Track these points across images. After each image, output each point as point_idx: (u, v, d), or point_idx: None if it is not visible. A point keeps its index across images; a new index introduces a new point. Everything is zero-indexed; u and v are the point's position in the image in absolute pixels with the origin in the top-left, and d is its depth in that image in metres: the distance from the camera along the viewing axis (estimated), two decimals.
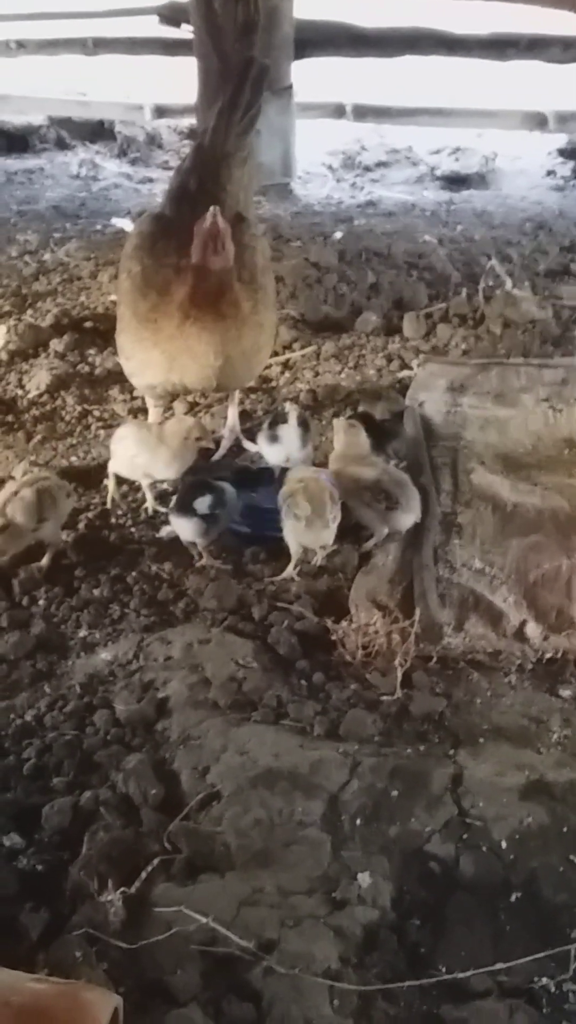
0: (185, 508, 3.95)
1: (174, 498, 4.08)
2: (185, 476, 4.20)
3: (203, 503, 3.92)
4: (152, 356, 4.40)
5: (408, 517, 4.05)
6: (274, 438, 4.38)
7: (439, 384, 5.18)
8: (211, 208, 4.09)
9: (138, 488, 4.43)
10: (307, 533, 3.89)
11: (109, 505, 4.38)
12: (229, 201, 4.66)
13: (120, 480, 4.43)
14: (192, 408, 5.07)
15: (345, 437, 4.34)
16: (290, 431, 4.36)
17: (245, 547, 4.12)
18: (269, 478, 4.38)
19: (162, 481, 4.40)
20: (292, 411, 4.43)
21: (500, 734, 3.24)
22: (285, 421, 4.38)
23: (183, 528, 4.00)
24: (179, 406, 5.04)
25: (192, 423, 4.37)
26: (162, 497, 4.38)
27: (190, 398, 5.10)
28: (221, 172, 4.71)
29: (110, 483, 4.41)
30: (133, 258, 4.59)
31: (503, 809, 2.87)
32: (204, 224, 4.08)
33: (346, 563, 3.99)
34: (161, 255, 4.45)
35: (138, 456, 4.30)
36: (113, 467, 4.39)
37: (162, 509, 4.32)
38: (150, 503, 4.37)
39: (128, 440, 4.34)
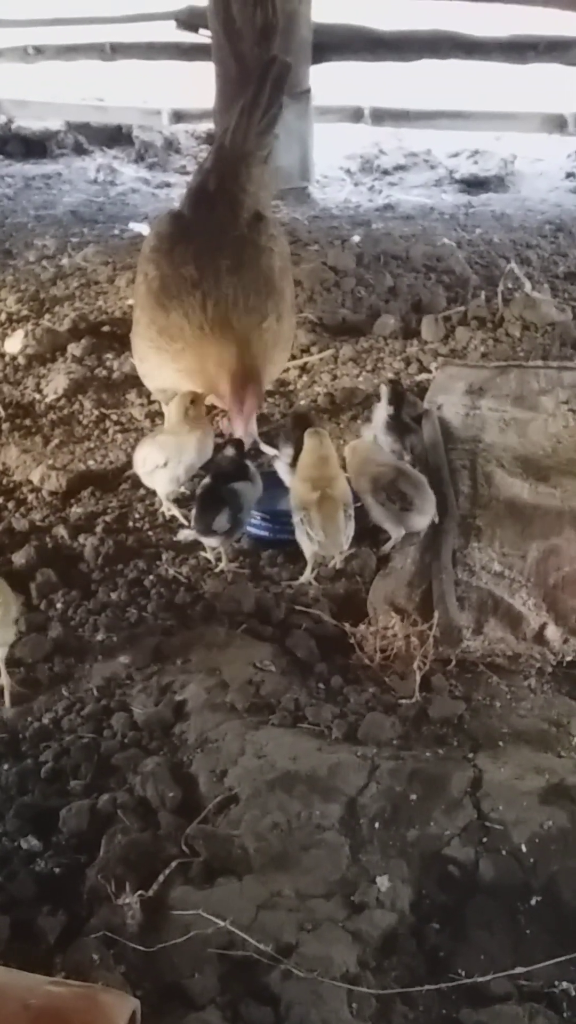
0: (206, 529, 3.94)
1: (193, 513, 4.02)
2: (205, 481, 4.12)
3: (221, 522, 3.90)
4: (166, 365, 4.41)
5: (423, 519, 4.03)
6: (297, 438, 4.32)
7: (458, 387, 5.16)
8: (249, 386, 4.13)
9: (155, 492, 4.42)
10: (321, 548, 3.91)
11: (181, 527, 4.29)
12: (248, 201, 4.66)
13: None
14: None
15: (363, 454, 4.26)
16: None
17: (263, 550, 4.11)
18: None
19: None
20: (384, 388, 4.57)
21: (520, 738, 3.22)
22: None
23: (208, 542, 4.02)
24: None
25: (177, 402, 4.31)
26: (179, 502, 4.37)
27: None
28: (241, 171, 4.71)
29: (169, 508, 4.35)
30: (151, 261, 4.59)
31: (523, 813, 2.85)
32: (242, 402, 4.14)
33: (364, 566, 3.98)
34: (179, 261, 4.45)
35: (168, 462, 4.23)
36: (161, 492, 4.34)
37: (179, 513, 4.31)
38: (166, 507, 4.35)
39: (150, 457, 4.28)
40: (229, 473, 4.06)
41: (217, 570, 3.99)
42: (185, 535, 4.18)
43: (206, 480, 4.10)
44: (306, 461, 4.07)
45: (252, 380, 4.16)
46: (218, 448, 4.30)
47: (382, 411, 4.54)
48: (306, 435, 4.15)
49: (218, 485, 4.03)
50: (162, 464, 4.26)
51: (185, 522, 4.24)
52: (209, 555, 4.06)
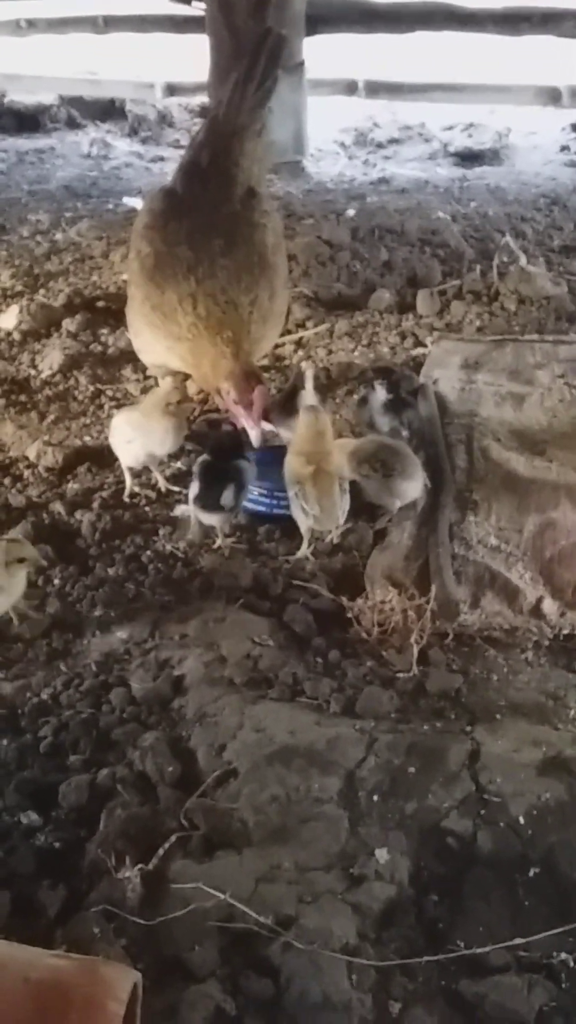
0: (213, 504, 3.92)
1: (194, 487, 3.97)
2: (203, 458, 4.11)
3: (229, 496, 3.89)
4: (160, 342, 4.40)
5: (411, 484, 4.01)
6: (290, 412, 4.33)
7: (453, 361, 5.15)
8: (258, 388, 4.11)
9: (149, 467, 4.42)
10: (316, 524, 3.90)
11: (127, 499, 4.33)
12: (242, 176, 4.63)
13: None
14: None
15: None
16: (308, 396, 4.34)
17: (260, 525, 4.11)
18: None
19: (169, 460, 4.39)
20: (308, 371, 4.39)
21: (517, 710, 3.23)
22: (303, 386, 4.35)
23: (211, 519, 3.99)
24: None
25: (164, 390, 4.32)
26: (175, 477, 4.37)
27: None
28: (234, 146, 4.68)
29: (126, 477, 4.37)
30: (144, 238, 4.56)
31: (520, 785, 2.86)
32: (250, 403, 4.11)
33: (361, 541, 3.98)
34: (173, 240, 4.42)
35: (133, 441, 4.28)
36: (123, 462, 4.37)
37: (175, 488, 4.31)
38: (161, 483, 4.35)
39: (120, 428, 4.34)
40: (228, 449, 4.05)
41: (215, 547, 3.99)
42: (182, 511, 4.18)
43: (204, 457, 4.09)
44: (301, 436, 4.06)
45: (255, 379, 4.14)
46: (215, 424, 4.29)
47: (379, 395, 4.49)
48: (301, 410, 4.15)
49: (220, 461, 4.02)
50: (127, 441, 4.30)
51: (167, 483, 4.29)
52: (194, 535, 4.02)
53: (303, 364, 4.49)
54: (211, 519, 3.98)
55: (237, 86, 4.76)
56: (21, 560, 3.55)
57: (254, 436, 4.11)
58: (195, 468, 4.07)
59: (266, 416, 4.19)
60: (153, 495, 4.34)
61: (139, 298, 4.49)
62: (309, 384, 4.37)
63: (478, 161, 9.13)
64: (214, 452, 4.08)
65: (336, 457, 4.02)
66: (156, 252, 4.45)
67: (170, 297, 4.31)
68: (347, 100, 9.86)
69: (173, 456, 4.47)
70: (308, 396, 4.34)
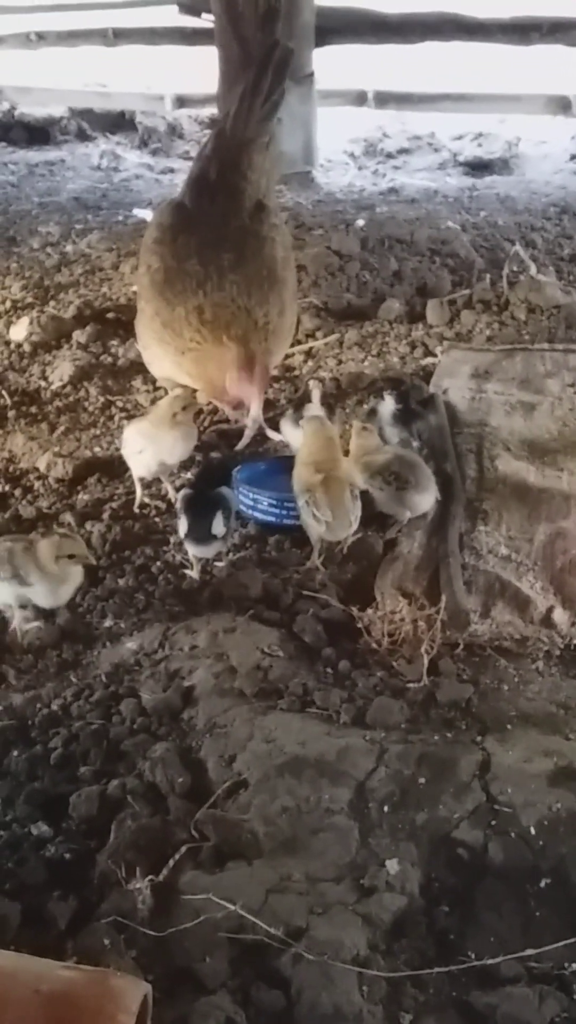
0: (205, 536, 3.84)
1: (182, 523, 3.86)
2: (184, 492, 4.02)
3: (219, 524, 3.82)
4: (168, 357, 4.41)
5: (424, 497, 4.01)
6: (298, 422, 4.35)
7: (463, 371, 5.15)
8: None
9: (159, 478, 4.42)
10: (327, 532, 3.89)
11: (137, 509, 4.33)
12: (250, 190, 4.64)
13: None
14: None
15: (358, 441, 4.21)
16: (314, 408, 4.34)
17: (269, 535, 4.11)
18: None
19: (179, 471, 4.39)
20: (316, 388, 4.40)
21: (528, 721, 3.22)
22: (310, 400, 4.36)
23: (206, 552, 3.90)
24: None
25: (171, 398, 4.32)
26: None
27: None
28: (242, 159, 4.69)
29: (137, 488, 4.38)
30: (154, 253, 4.57)
31: (531, 795, 2.85)
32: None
33: (371, 551, 3.97)
34: (183, 255, 4.43)
35: (144, 451, 4.28)
36: (134, 473, 4.38)
37: (139, 492, 4.35)
38: (171, 493, 4.36)
39: (131, 439, 4.34)
40: (210, 478, 4.04)
41: (193, 575, 3.91)
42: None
43: (185, 490, 4.02)
44: (308, 445, 4.07)
45: (257, 361, 4.16)
46: (207, 448, 4.32)
47: (388, 406, 4.49)
48: (306, 420, 4.16)
49: (203, 490, 3.96)
50: (138, 451, 4.30)
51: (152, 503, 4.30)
52: (196, 573, 3.93)
53: (311, 382, 4.49)
54: (206, 551, 3.90)
55: (244, 99, 4.77)
56: (71, 556, 3.61)
57: (255, 411, 4.12)
58: (178, 505, 3.98)
59: (264, 386, 4.22)
60: (163, 506, 4.34)
61: (149, 313, 4.50)
62: (316, 398, 4.37)
63: (488, 170, 9.14)
64: (197, 483, 4.07)
65: (345, 465, 4.03)
66: (166, 267, 4.46)
67: (179, 314, 4.33)
68: (356, 110, 9.89)
69: (183, 466, 4.48)
70: (314, 408, 4.35)
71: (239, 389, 4.16)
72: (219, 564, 3.94)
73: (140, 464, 4.33)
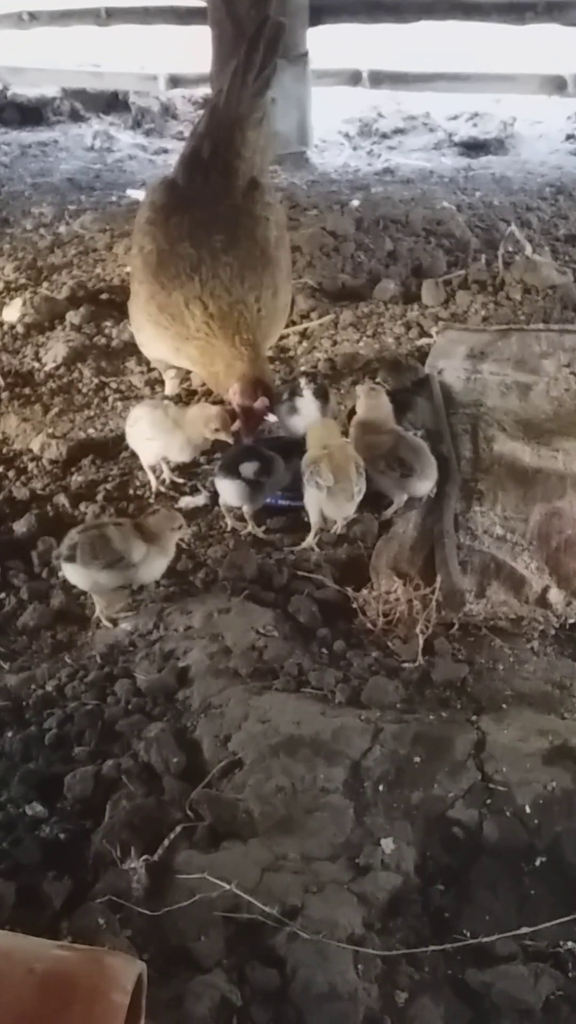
0: (230, 471, 3.90)
1: (218, 461, 3.99)
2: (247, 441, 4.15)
3: (249, 468, 3.87)
4: (162, 339, 4.39)
5: (425, 484, 4.02)
6: (293, 410, 4.34)
7: (459, 351, 5.14)
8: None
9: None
10: (328, 503, 3.86)
11: (155, 497, 4.28)
12: (244, 167, 4.61)
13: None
14: None
15: (367, 401, 4.28)
16: (307, 403, 4.32)
17: (265, 516, 4.10)
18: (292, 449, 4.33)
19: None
20: (307, 386, 4.38)
21: (523, 700, 3.23)
22: (301, 395, 4.34)
23: (225, 490, 3.95)
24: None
25: (214, 413, 4.22)
26: (180, 468, 4.36)
27: None
28: (235, 135, 4.66)
29: (150, 476, 4.33)
30: (147, 234, 4.55)
31: (527, 774, 2.85)
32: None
33: (366, 531, 3.97)
34: (175, 236, 4.40)
35: (154, 440, 4.24)
36: (143, 460, 4.33)
37: (180, 480, 4.31)
38: (167, 475, 4.34)
39: (142, 422, 4.28)
40: (279, 447, 4.12)
41: (228, 529, 3.98)
42: (187, 502, 4.17)
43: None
44: (312, 442, 4.08)
45: (263, 388, 4.15)
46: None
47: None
48: (308, 427, 4.20)
49: (259, 447, 4.05)
50: (147, 439, 4.26)
51: (162, 488, 4.29)
52: (228, 519, 4.02)
53: (301, 380, 4.46)
54: (227, 488, 3.93)
55: (236, 75, 4.73)
56: (178, 527, 3.69)
57: (245, 440, 4.14)
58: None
59: (269, 409, 4.19)
60: (162, 489, 4.33)
61: (143, 296, 4.48)
62: (308, 395, 4.35)
63: (483, 150, 9.09)
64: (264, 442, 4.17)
65: (349, 444, 4.02)
66: (159, 249, 4.43)
67: (176, 299, 4.30)
68: (351, 90, 9.80)
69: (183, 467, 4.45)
70: (307, 403, 4.33)
71: (239, 401, 4.14)
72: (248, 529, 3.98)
73: (149, 452, 4.28)
